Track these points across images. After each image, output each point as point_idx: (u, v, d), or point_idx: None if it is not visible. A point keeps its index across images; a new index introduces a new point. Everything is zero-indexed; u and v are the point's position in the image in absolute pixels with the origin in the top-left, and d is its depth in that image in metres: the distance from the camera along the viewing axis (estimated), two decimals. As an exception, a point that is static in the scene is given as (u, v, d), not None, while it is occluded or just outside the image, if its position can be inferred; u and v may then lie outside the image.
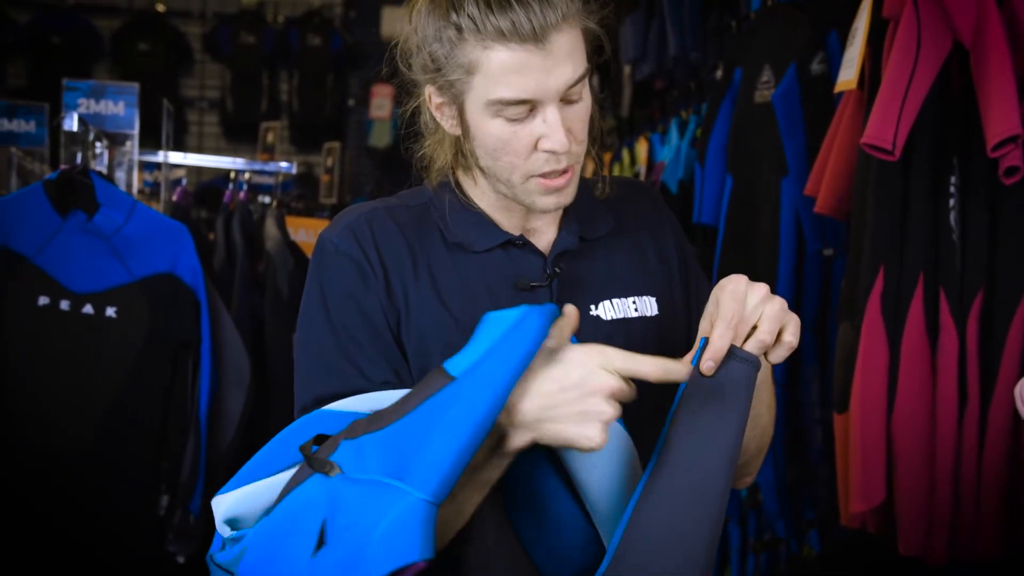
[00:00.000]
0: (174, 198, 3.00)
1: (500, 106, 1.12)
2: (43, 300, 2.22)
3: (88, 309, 2.24)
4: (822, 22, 2.51)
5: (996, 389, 1.85)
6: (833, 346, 2.25)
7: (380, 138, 7.08)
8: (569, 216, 1.27)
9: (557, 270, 1.23)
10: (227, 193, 3.02)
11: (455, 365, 1.02)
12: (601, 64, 1.27)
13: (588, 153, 1.30)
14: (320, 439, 1.08)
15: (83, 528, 2.25)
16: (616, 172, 4.44)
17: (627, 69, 4.28)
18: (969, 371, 1.87)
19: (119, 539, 2.29)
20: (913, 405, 1.90)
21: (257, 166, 3.20)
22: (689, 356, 1.10)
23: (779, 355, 1.11)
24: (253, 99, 7.11)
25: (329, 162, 4.81)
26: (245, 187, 3.08)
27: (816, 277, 2.53)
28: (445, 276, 1.21)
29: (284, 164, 3.22)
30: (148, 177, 3.61)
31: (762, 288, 1.10)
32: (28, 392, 2.23)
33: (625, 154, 4.35)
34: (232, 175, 3.08)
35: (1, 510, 2.21)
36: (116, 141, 2.58)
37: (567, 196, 1.19)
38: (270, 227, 2.98)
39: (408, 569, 0.91)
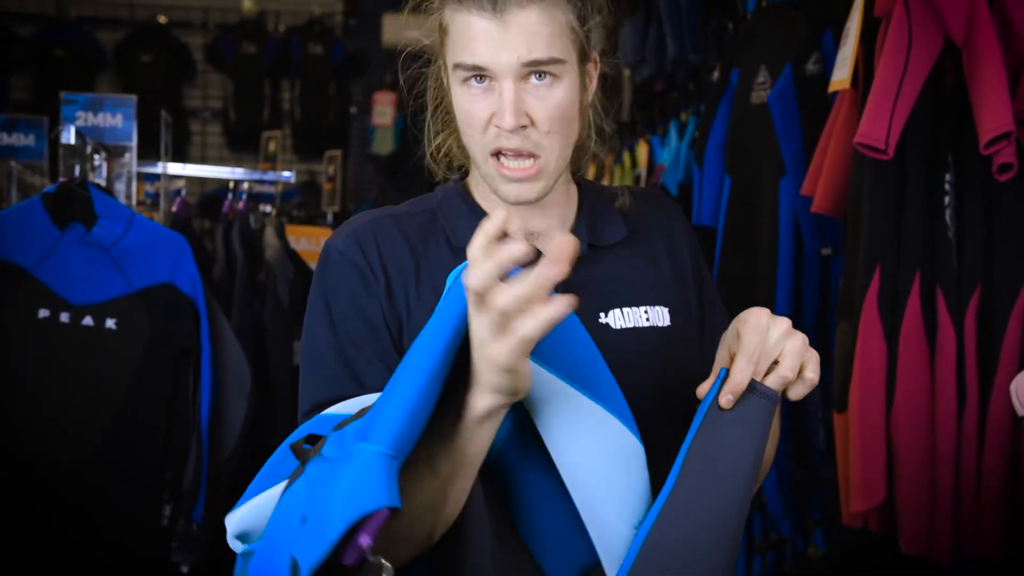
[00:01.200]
0: (173, 209, 3.01)
1: (461, 72, 1.15)
2: (43, 313, 2.23)
3: (88, 321, 2.25)
4: (817, 22, 2.52)
5: (995, 385, 1.84)
6: (833, 345, 2.25)
7: (383, 145, 7.09)
8: (580, 222, 1.26)
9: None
10: (226, 203, 3.03)
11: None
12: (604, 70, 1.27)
13: (594, 158, 1.30)
14: (312, 439, 1.08)
15: (88, 538, 2.26)
16: (617, 175, 4.44)
17: (626, 72, 4.28)
18: (967, 368, 1.87)
19: (124, 549, 2.30)
20: (912, 403, 1.89)
21: (256, 176, 3.21)
22: (707, 385, 1.10)
23: (799, 392, 1.09)
24: (256, 108, 7.12)
25: (331, 170, 4.82)
26: (244, 197, 3.09)
27: (815, 276, 2.53)
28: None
29: (284, 173, 3.23)
30: (149, 188, 3.62)
31: (784, 322, 1.09)
32: (30, 404, 2.24)
33: (626, 157, 4.35)
34: (231, 185, 3.09)
35: (5, 520, 2.22)
36: (115, 153, 2.59)
37: (531, 191, 1.17)
38: (270, 236, 2.99)
39: (374, 517, 0.89)
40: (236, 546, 1.10)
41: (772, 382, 1.07)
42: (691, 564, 1.04)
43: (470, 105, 1.15)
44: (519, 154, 1.15)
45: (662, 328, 1.24)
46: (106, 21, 7.19)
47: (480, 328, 0.94)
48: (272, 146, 4.87)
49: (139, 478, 2.31)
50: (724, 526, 1.06)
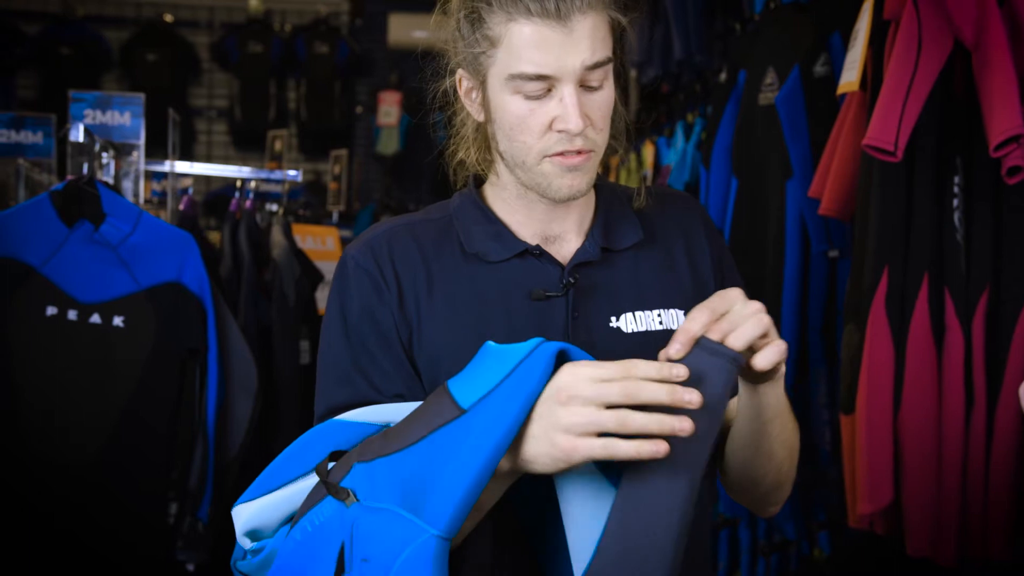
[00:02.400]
0: (181, 207, 3.01)
1: (519, 81, 1.15)
2: (51, 310, 2.23)
3: (96, 319, 2.25)
4: (825, 24, 2.52)
5: (1003, 388, 1.84)
6: (840, 347, 2.25)
7: (388, 145, 7.09)
8: (595, 225, 1.26)
9: (571, 280, 1.22)
10: (233, 202, 3.03)
11: (463, 394, 1.05)
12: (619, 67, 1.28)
13: (614, 152, 1.30)
14: (335, 456, 1.11)
15: (93, 537, 2.26)
16: (623, 176, 4.44)
17: (632, 73, 4.29)
18: (975, 371, 1.87)
19: (129, 547, 2.30)
20: (919, 406, 1.89)
21: (263, 174, 3.21)
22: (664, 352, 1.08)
23: (767, 357, 1.07)
24: (261, 107, 7.13)
25: (337, 169, 4.83)
26: (251, 195, 3.09)
27: (822, 278, 2.53)
28: (460, 288, 1.22)
29: (291, 172, 3.23)
30: (156, 187, 3.63)
31: (756, 304, 1.08)
32: (37, 401, 2.24)
33: (632, 158, 4.35)
34: (238, 184, 3.09)
35: (11, 519, 2.22)
36: (122, 151, 2.59)
37: (582, 181, 1.19)
38: (276, 235, 2.99)
39: None
40: (245, 542, 1.13)
41: (735, 341, 1.05)
42: (647, 528, 1.03)
43: (527, 113, 1.16)
44: (580, 151, 1.18)
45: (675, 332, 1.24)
46: (112, 20, 7.20)
47: (575, 416, 0.99)
48: (278, 145, 4.87)
49: (145, 476, 2.31)
50: (676, 487, 1.03)
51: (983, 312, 1.86)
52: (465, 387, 1.05)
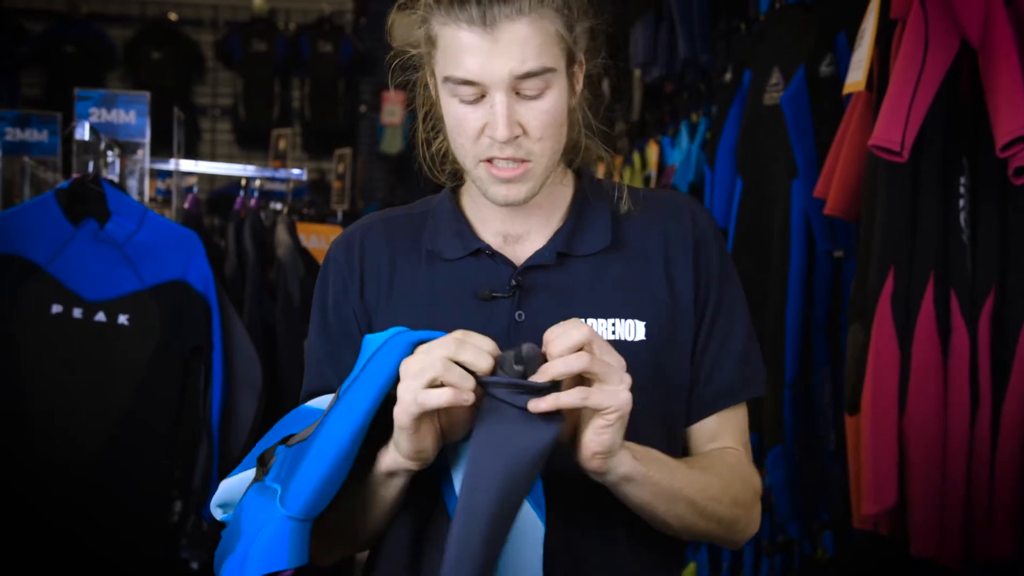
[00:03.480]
0: (185, 205, 3.01)
1: (452, 84, 1.15)
2: (56, 308, 2.24)
3: (100, 317, 2.26)
4: (831, 24, 2.51)
5: (1008, 389, 1.84)
6: (844, 348, 2.25)
7: (392, 144, 7.10)
8: (562, 228, 1.24)
9: (514, 282, 1.21)
10: (238, 200, 3.03)
11: (344, 385, 1.11)
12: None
13: (602, 159, 1.29)
14: (287, 439, 1.17)
15: (96, 535, 2.26)
16: (627, 176, 4.44)
17: (637, 72, 4.28)
18: (981, 372, 1.87)
19: (132, 546, 2.30)
20: (925, 406, 1.89)
21: (268, 173, 3.21)
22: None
23: (586, 397, 1.04)
24: (265, 106, 7.14)
25: (341, 168, 4.83)
26: (256, 194, 3.10)
27: (827, 278, 2.52)
28: (416, 284, 1.24)
29: (295, 171, 3.23)
30: (160, 185, 3.63)
31: (576, 325, 1.06)
32: (42, 399, 2.24)
33: (636, 158, 4.35)
34: (243, 182, 3.09)
35: (14, 517, 2.23)
36: (128, 150, 2.59)
37: (519, 192, 1.18)
38: (281, 233, 2.99)
39: (279, 574, 1.08)
40: (216, 513, 1.21)
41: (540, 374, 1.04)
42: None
43: (461, 116, 1.16)
44: (513, 159, 1.16)
45: (631, 343, 1.20)
46: (116, 18, 7.22)
47: (408, 373, 1.05)
48: (282, 144, 4.88)
49: (149, 473, 2.31)
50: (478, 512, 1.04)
51: (989, 313, 1.86)
52: (348, 377, 1.11)
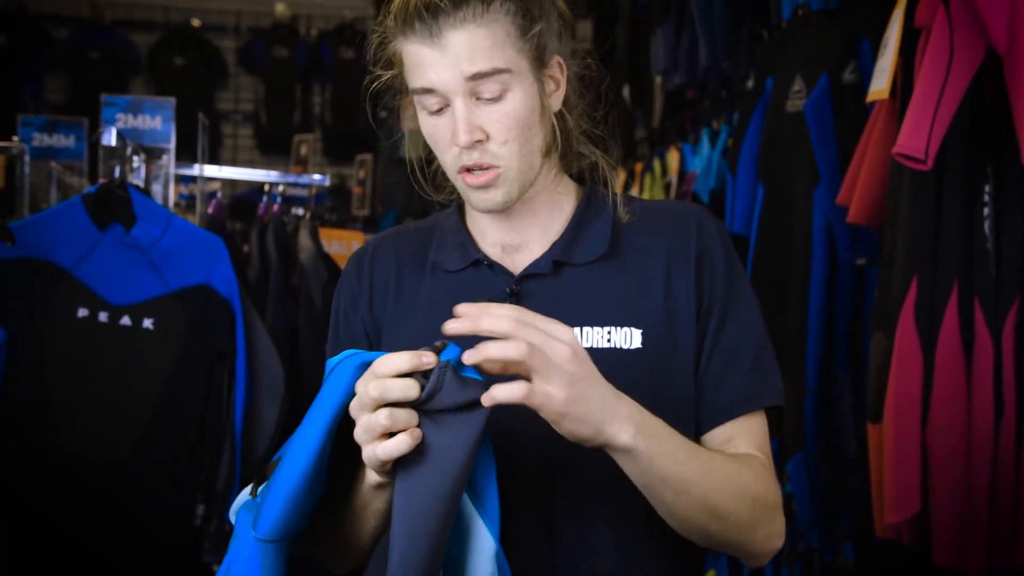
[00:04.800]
0: (209, 211, 3.03)
1: (418, 96, 1.20)
2: (82, 312, 2.25)
3: (126, 321, 2.27)
4: (854, 31, 2.51)
5: (1032, 398, 1.83)
6: (866, 355, 2.24)
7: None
8: (561, 238, 1.25)
9: (508, 291, 1.22)
10: (261, 206, 3.05)
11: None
12: (604, 77, 1.28)
13: (610, 166, 1.29)
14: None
15: (119, 538, 2.27)
16: (647, 182, 4.44)
17: (658, 79, 4.28)
18: (1005, 380, 1.86)
19: (155, 548, 2.32)
20: (948, 415, 1.88)
21: (291, 179, 3.23)
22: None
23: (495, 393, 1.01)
24: (287, 112, 7.17)
25: (361, 174, 4.85)
26: (279, 199, 3.11)
27: (849, 286, 2.52)
28: (421, 297, 1.27)
29: (317, 176, 3.25)
30: (184, 190, 3.65)
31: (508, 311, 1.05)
32: (67, 403, 2.26)
33: (656, 164, 4.35)
34: (266, 188, 3.11)
35: (38, 519, 2.24)
36: (153, 155, 2.61)
37: (495, 197, 1.20)
38: (303, 239, 3.01)
39: None
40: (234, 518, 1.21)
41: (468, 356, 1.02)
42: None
43: (432, 129, 1.21)
44: (479, 166, 1.18)
45: (627, 351, 1.20)
46: (140, 24, 7.27)
47: (359, 428, 1.05)
48: (304, 149, 4.90)
49: (173, 477, 2.32)
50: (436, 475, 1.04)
51: (1013, 321, 1.85)
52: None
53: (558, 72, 1.23)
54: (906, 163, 1.84)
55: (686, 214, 1.27)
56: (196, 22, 7.32)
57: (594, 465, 1.15)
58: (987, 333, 1.86)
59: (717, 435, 1.23)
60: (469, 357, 1.02)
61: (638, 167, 4.71)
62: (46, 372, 2.25)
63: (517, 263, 1.25)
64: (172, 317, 2.29)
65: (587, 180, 1.30)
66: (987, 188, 1.89)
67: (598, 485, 1.17)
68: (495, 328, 1.01)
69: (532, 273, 1.23)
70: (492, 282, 1.24)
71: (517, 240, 1.26)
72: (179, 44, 7.18)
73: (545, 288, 1.22)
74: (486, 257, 1.25)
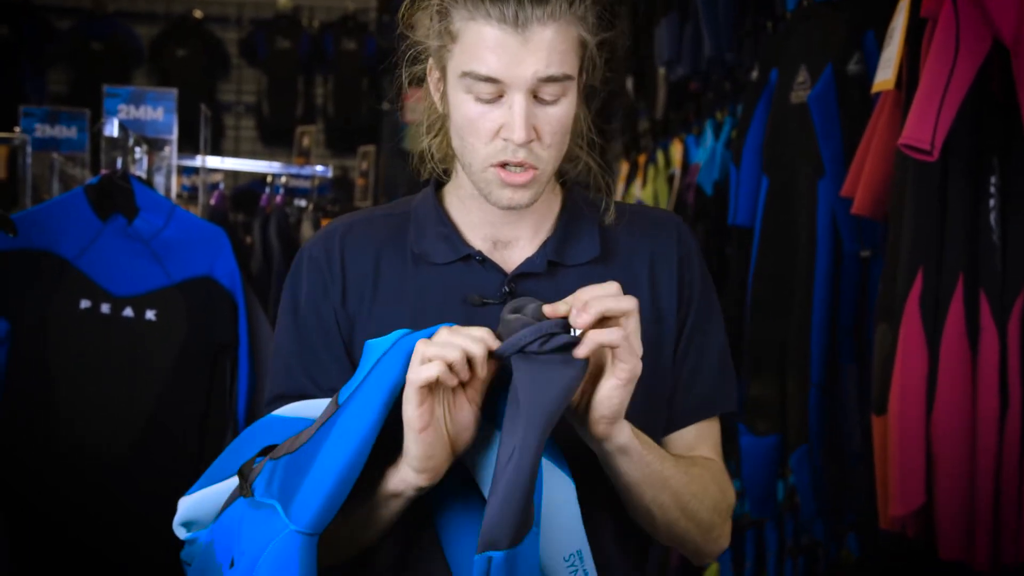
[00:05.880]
0: (211, 202, 3.03)
1: (471, 80, 1.14)
2: (85, 303, 2.25)
3: (128, 312, 2.27)
4: (859, 22, 2.50)
5: (1038, 391, 1.82)
6: (870, 347, 2.23)
7: (415, 141, 7.10)
8: (552, 237, 1.25)
9: (506, 289, 1.21)
10: (263, 197, 3.05)
11: (344, 390, 1.08)
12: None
13: (564, 174, 1.28)
14: (267, 451, 1.14)
15: (122, 529, 2.28)
16: (651, 174, 4.43)
17: (661, 71, 4.27)
18: (1010, 372, 1.85)
19: (158, 540, 2.31)
20: (953, 407, 1.88)
21: (293, 170, 3.23)
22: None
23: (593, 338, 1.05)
24: (289, 103, 7.17)
25: (364, 166, 4.84)
26: (282, 191, 3.11)
27: (853, 278, 2.51)
28: (403, 287, 1.23)
29: (320, 168, 3.25)
30: (186, 181, 3.65)
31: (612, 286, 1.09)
32: (70, 393, 2.26)
33: (660, 156, 4.34)
34: (268, 179, 3.11)
35: (41, 511, 2.24)
36: (155, 146, 2.61)
37: (524, 197, 1.18)
38: (307, 230, 3.01)
39: None
40: (180, 532, 1.18)
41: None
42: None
43: (477, 115, 1.16)
44: (522, 164, 1.16)
45: None
46: (142, 15, 7.27)
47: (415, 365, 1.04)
48: (306, 141, 4.90)
49: (176, 468, 2.32)
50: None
51: (1019, 314, 1.85)
52: (347, 384, 1.08)
53: (583, 83, 1.23)
54: (912, 154, 1.83)
55: (666, 220, 1.31)
56: (198, 13, 7.32)
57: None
58: (992, 325, 1.86)
59: (683, 436, 1.27)
60: (579, 352, 1.05)
61: (641, 159, 4.70)
62: (48, 363, 2.24)
63: (508, 260, 1.24)
64: (174, 309, 2.29)
65: (570, 182, 1.31)
66: (993, 180, 1.88)
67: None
68: (619, 307, 1.06)
69: (526, 271, 1.23)
70: (484, 278, 1.23)
71: (509, 236, 1.25)
72: (181, 35, 7.18)
73: (540, 288, 1.22)
74: (479, 252, 1.23)
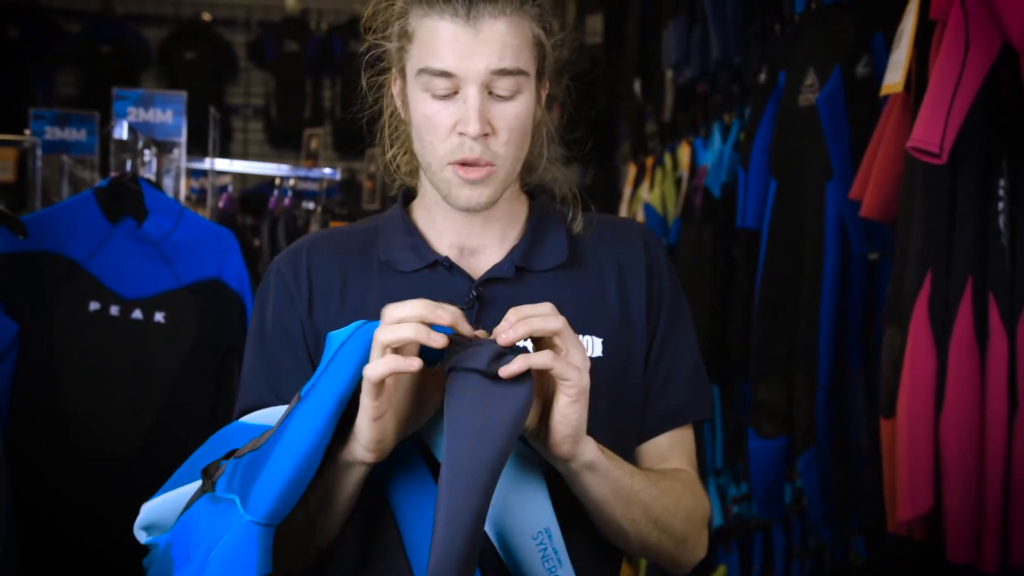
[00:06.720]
0: (220, 204, 3.04)
1: (427, 77, 1.16)
2: (94, 305, 2.26)
3: (137, 314, 2.28)
4: (867, 24, 2.50)
5: (1047, 394, 1.82)
6: (878, 350, 2.23)
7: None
8: (520, 243, 1.26)
9: (474, 294, 1.22)
10: (272, 199, 3.05)
11: (306, 384, 1.08)
12: (572, 95, 1.29)
13: (530, 174, 1.29)
14: (231, 455, 1.14)
15: (129, 532, 2.27)
16: (658, 177, 4.42)
17: (669, 73, 4.27)
18: (1019, 376, 1.85)
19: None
20: (961, 410, 1.87)
21: (301, 173, 3.24)
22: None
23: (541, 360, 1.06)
24: (297, 106, 7.18)
25: (372, 168, 4.84)
26: (290, 193, 3.12)
27: (861, 281, 2.51)
28: (370, 297, 1.24)
29: (328, 170, 3.25)
30: (195, 184, 3.66)
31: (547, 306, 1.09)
32: (78, 395, 2.27)
33: (667, 159, 4.34)
34: (277, 182, 3.12)
35: (51, 511, 2.25)
36: (164, 149, 2.62)
37: (482, 196, 1.19)
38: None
39: None
40: (140, 536, 1.18)
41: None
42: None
43: (433, 112, 1.17)
44: (478, 161, 1.17)
45: (591, 359, 1.20)
46: (151, 18, 7.28)
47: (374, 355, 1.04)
48: (314, 143, 4.91)
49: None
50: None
51: (1028, 316, 1.84)
52: (310, 379, 1.09)
53: (542, 88, 1.24)
54: (921, 157, 1.83)
55: (630, 228, 1.33)
56: (207, 16, 7.33)
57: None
58: (1002, 328, 1.85)
59: (655, 445, 1.27)
60: (507, 371, 1.04)
61: (649, 161, 4.69)
62: (57, 365, 2.25)
63: (475, 267, 1.25)
64: (183, 311, 2.30)
65: (535, 191, 1.31)
66: (1002, 183, 1.87)
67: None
68: (546, 327, 1.06)
69: (494, 277, 1.24)
70: (451, 284, 1.23)
71: (475, 243, 1.26)
72: (190, 38, 7.20)
73: (508, 293, 1.22)
74: (446, 259, 1.24)
